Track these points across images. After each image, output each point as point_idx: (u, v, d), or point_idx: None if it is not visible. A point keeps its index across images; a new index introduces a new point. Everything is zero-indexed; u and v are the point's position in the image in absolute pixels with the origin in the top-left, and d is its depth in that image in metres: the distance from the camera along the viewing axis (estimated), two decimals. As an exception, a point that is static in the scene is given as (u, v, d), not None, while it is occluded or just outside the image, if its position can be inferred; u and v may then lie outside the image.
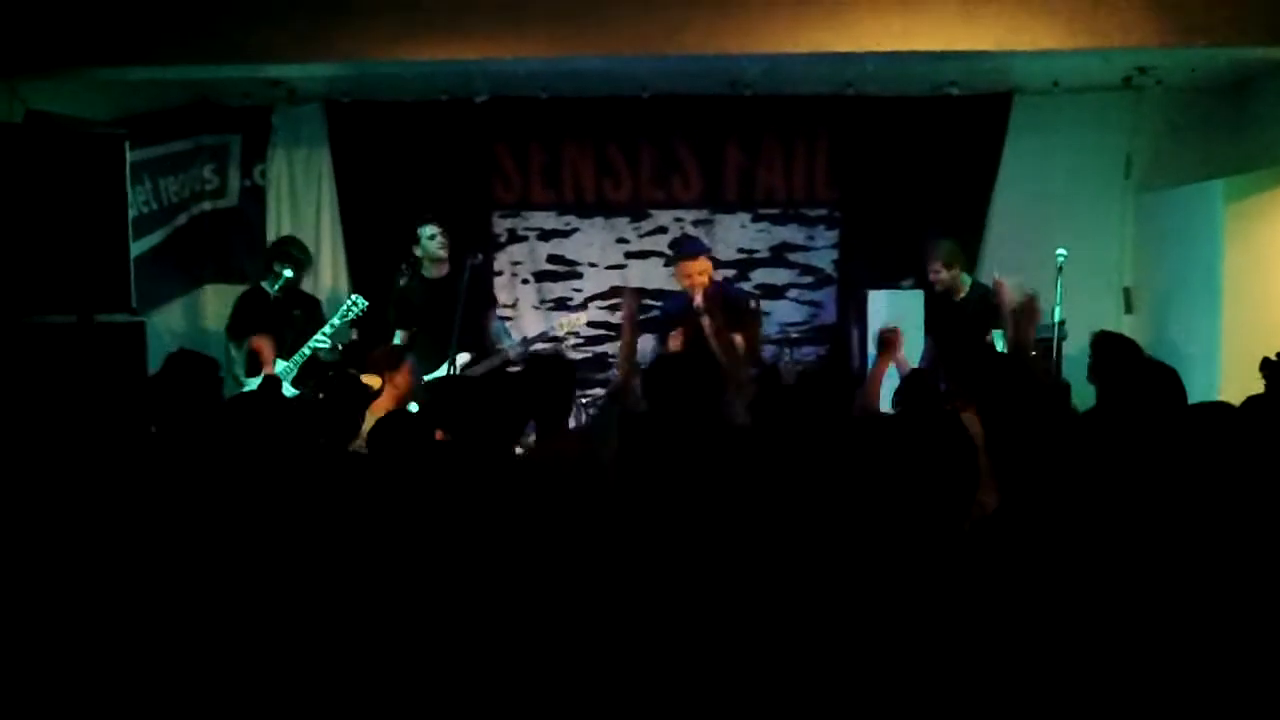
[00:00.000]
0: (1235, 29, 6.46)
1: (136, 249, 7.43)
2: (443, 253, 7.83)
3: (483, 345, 7.79)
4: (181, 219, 8.64)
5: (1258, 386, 5.68)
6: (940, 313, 7.75)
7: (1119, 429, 3.75)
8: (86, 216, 6.65)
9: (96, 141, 6.78)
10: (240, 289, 8.27)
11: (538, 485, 3.56)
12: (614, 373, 8.51)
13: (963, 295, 7.69)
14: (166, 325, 8.41)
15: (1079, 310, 7.11)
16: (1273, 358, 5.70)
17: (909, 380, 5.80)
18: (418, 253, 7.90)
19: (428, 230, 7.84)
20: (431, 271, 7.89)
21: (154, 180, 8.34)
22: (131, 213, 7.21)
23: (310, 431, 4.26)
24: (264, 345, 7.67)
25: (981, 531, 3.09)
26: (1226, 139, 8.06)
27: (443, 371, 7.25)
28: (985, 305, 7.42)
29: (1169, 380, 4.23)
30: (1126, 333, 6.65)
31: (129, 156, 7.00)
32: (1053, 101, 8.38)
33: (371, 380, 5.72)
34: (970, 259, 8.33)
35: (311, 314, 8.00)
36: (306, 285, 8.42)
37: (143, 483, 3.85)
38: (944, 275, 7.67)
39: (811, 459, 3.87)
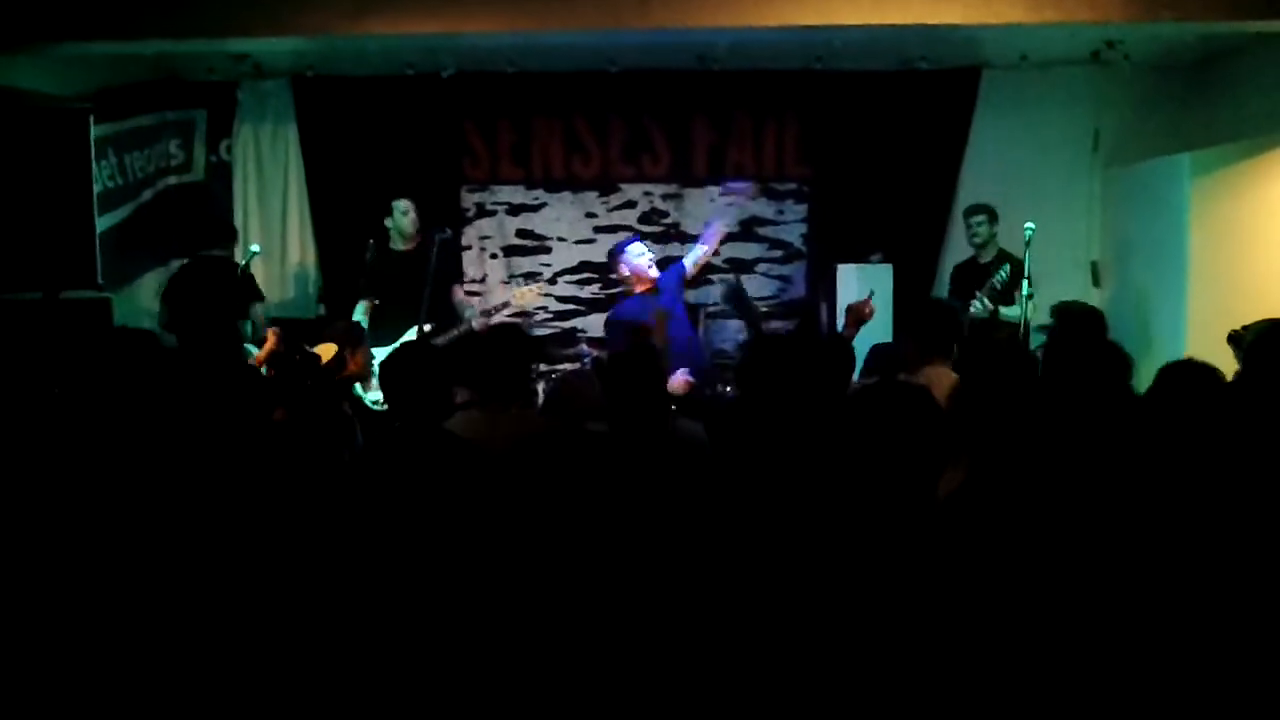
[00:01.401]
0: (1202, 4, 6.47)
1: (102, 225, 7.37)
2: (413, 229, 7.86)
3: (450, 319, 7.77)
4: (147, 195, 8.57)
5: (1222, 359, 5.73)
6: (966, 276, 7.85)
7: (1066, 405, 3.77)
8: (51, 192, 6.59)
9: (60, 116, 6.72)
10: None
11: (462, 462, 3.51)
12: (583, 348, 8.52)
13: (987, 260, 7.74)
14: (133, 302, 8.34)
15: (1047, 284, 7.14)
16: (1239, 330, 5.76)
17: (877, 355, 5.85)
18: (388, 224, 7.89)
19: (401, 205, 7.87)
20: (400, 245, 7.91)
21: (119, 156, 8.27)
22: (97, 188, 7.16)
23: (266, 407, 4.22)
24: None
25: (953, 506, 3.12)
26: (1193, 114, 8.09)
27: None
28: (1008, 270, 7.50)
29: (1120, 365, 4.24)
30: (1094, 305, 6.70)
31: (93, 132, 6.94)
32: (1021, 76, 8.41)
33: (326, 350, 5.69)
34: (939, 234, 8.38)
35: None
36: (274, 260, 8.41)
37: (106, 458, 3.82)
38: (984, 231, 7.79)
39: (782, 436, 3.89)
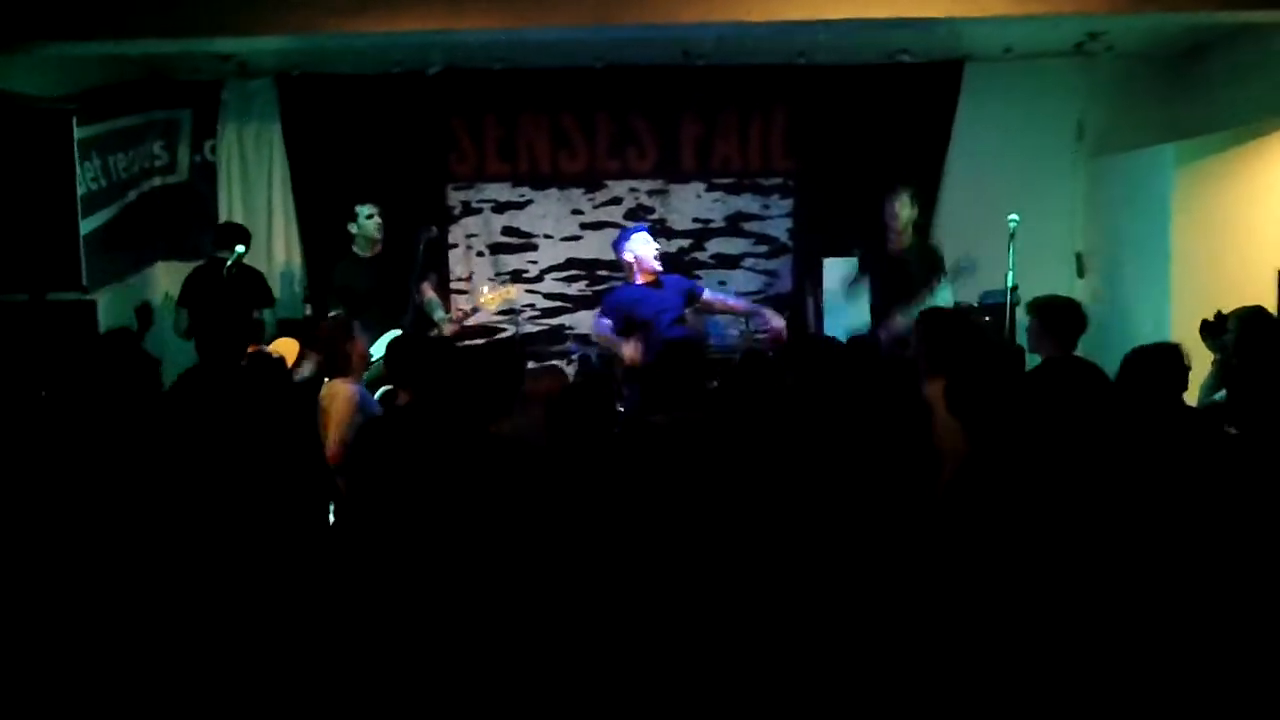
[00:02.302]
0: (1185, -5, 6.51)
1: (87, 227, 7.35)
2: (378, 234, 7.77)
3: (419, 319, 7.73)
4: (132, 196, 8.54)
5: (1205, 349, 5.78)
6: (881, 264, 7.53)
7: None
8: (35, 194, 6.58)
9: (44, 117, 6.70)
10: (191, 265, 8.15)
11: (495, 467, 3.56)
12: (571, 344, 8.54)
13: (903, 247, 7.43)
14: (118, 303, 8.30)
15: (1032, 275, 7.15)
16: (1210, 319, 5.81)
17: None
18: (353, 230, 7.80)
19: (365, 209, 7.77)
20: (366, 251, 7.81)
21: (103, 157, 8.23)
22: (81, 190, 7.14)
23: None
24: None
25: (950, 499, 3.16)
26: (1177, 104, 8.11)
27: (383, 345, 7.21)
28: (925, 257, 7.35)
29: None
30: (1078, 296, 6.72)
31: (77, 133, 6.93)
32: (1005, 68, 8.43)
33: (285, 347, 5.68)
34: (924, 226, 8.37)
35: (258, 285, 7.89)
36: (260, 261, 8.38)
37: (94, 460, 3.82)
38: (906, 213, 7.39)
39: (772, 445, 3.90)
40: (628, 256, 7.24)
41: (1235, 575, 2.86)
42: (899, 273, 7.30)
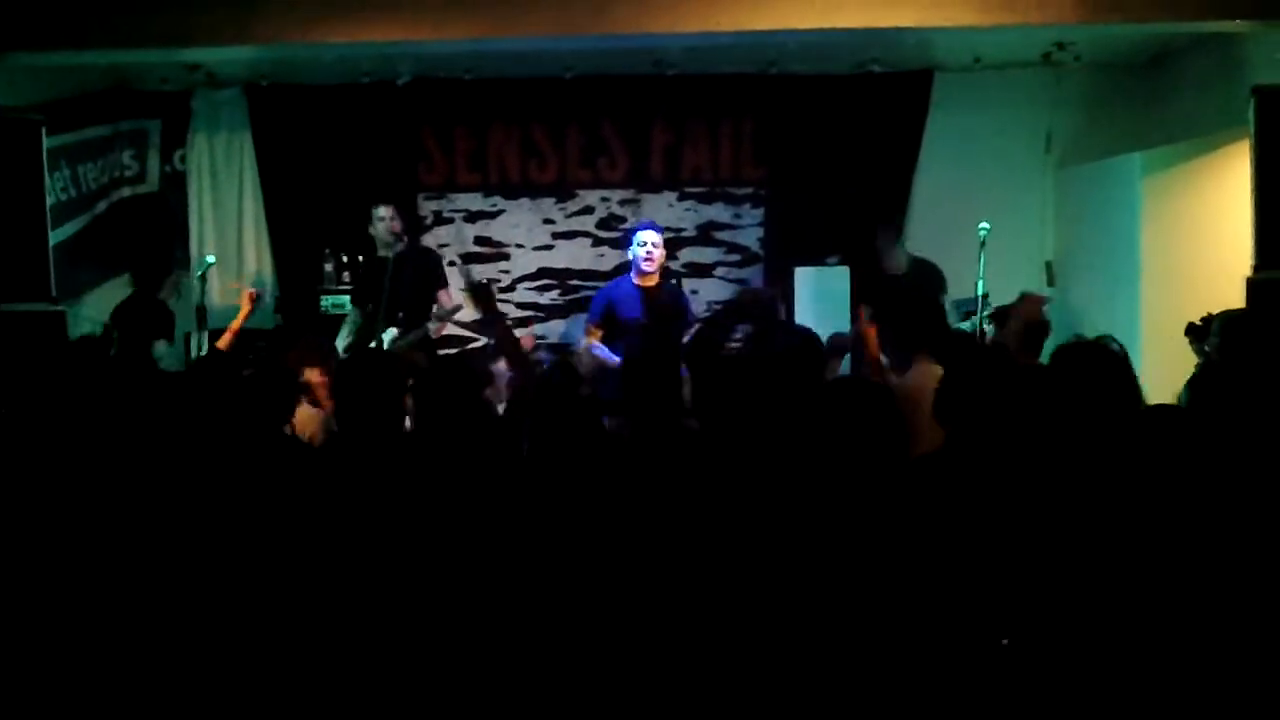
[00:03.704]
0: (1150, 5, 6.54)
1: (56, 237, 7.32)
2: (389, 235, 7.76)
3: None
4: (101, 206, 8.51)
5: (1176, 356, 5.80)
6: (878, 286, 7.60)
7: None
8: (3, 205, 6.55)
9: (12, 127, 6.67)
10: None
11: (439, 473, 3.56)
12: (542, 354, 8.52)
13: (898, 270, 7.70)
14: (88, 314, 8.26)
15: (1002, 284, 7.18)
16: (1197, 323, 5.83)
17: None
18: (371, 233, 7.84)
19: (379, 211, 7.76)
20: (386, 251, 7.83)
21: (72, 167, 8.19)
22: (50, 200, 7.11)
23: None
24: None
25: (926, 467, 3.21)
26: (1144, 113, 8.16)
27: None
28: (922, 278, 7.46)
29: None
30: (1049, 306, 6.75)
31: (46, 143, 6.89)
32: (974, 78, 8.45)
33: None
34: (895, 234, 8.41)
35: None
36: (230, 270, 8.38)
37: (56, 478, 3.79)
38: (900, 260, 7.69)
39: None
40: (629, 254, 7.46)
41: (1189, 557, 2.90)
42: (894, 292, 7.31)
